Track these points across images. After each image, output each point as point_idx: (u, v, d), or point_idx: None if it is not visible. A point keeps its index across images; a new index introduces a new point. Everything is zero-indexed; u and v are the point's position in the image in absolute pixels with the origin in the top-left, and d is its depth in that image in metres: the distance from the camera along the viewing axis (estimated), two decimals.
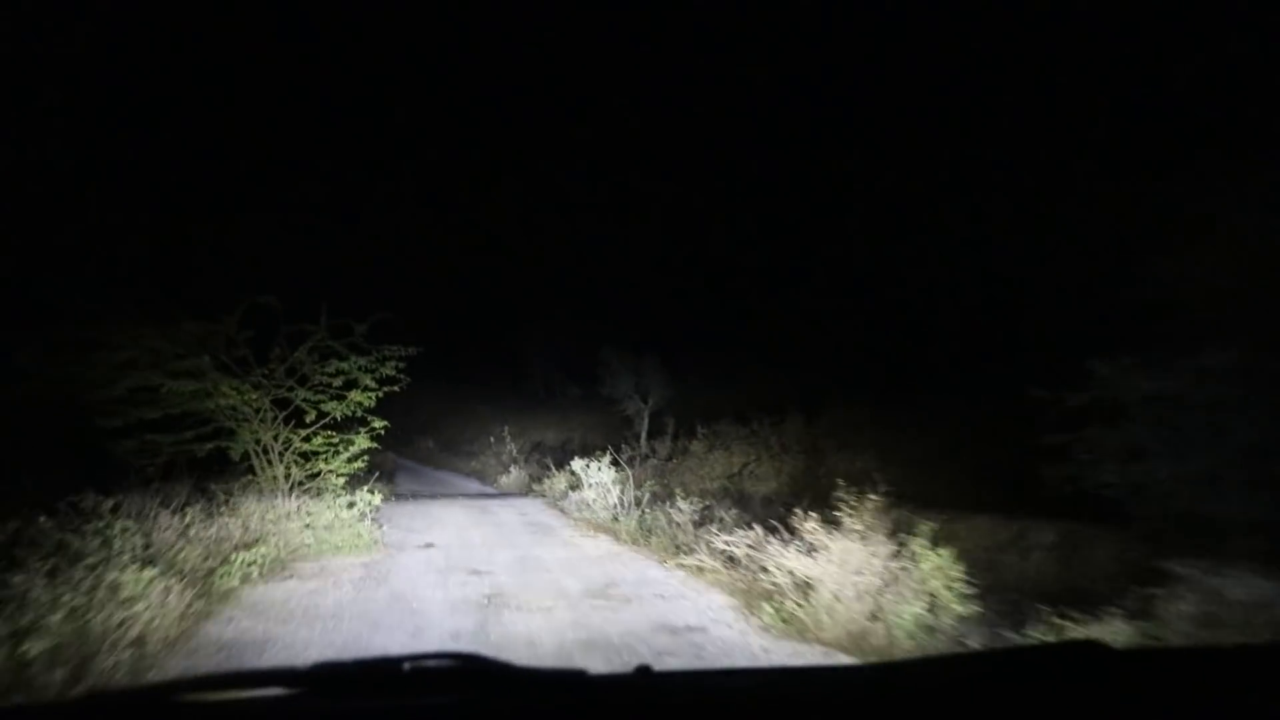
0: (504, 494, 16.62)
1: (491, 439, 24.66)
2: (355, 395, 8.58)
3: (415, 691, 1.10)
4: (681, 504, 7.91)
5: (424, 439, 25.74)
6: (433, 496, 15.18)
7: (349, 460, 8.81)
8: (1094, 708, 1.07)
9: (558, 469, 14.97)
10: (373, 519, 8.32)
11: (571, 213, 27.58)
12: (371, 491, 8.39)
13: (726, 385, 19.39)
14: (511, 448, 22.24)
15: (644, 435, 17.26)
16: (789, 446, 12.65)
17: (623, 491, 9.49)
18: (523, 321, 30.87)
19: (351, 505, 7.96)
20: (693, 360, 19.09)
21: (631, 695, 1.12)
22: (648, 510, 8.89)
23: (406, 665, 1.10)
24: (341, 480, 8.71)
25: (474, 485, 19.21)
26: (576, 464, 11.03)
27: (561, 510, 11.45)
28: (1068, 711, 1.06)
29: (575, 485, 12.95)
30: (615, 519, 9.21)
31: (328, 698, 1.09)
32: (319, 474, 8.59)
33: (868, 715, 1.09)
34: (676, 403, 17.86)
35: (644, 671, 1.17)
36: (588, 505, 10.18)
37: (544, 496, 13.98)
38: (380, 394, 8.91)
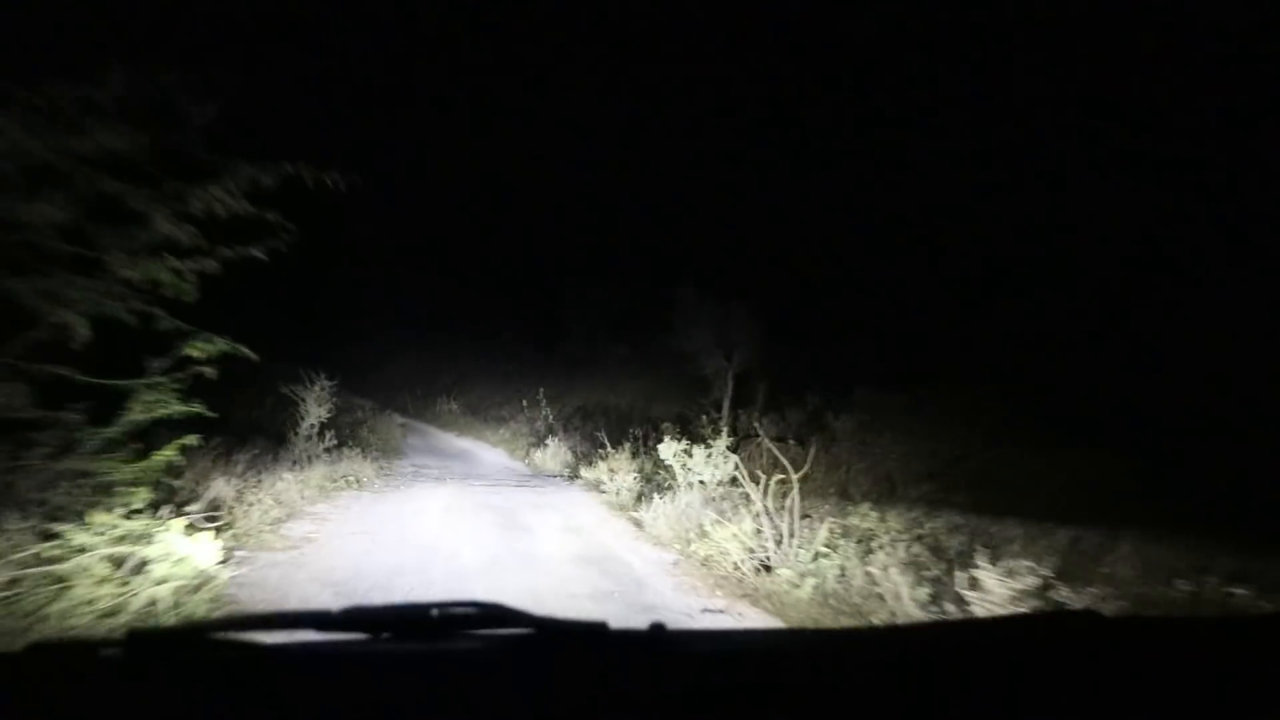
0: (537, 476, 12.20)
1: (524, 403, 20.38)
2: (153, 267, 3.37)
3: (443, 636, 1.12)
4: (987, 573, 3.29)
5: (446, 401, 21.44)
6: (440, 479, 10.81)
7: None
8: (1090, 672, 1.06)
9: (613, 445, 10.61)
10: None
11: (626, 128, 22.84)
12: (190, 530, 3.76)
13: (812, 345, 14.77)
14: (548, 413, 17.95)
15: (727, 403, 12.63)
16: (1000, 430, 7.92)
17: (769, 510, 4.85)
18: (561, 272, 26.32)
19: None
20: (777, 313, 14.46)
21: (649, 647, 1.13)
22: (831, 551, 4.34)
23: (434, 611, 1.11)
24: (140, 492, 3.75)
25: (499, 459, 14.84)
26: (666, 450, 6.43)
27: (636, 522, 6.94)
28: (1065, 675, 1.06)
29: (650, 476, 8.40)
30: (764, 566, 4.62)
31: (360, 639, 1.10)
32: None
33: (872, 675, 1.07)
34: (767, 364, 13.17)
35: (658, 627, 1.16)
36: (692, 526, 5.59)
37: (597, 489, 9.51)
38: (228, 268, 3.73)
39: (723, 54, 19.99)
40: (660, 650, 1.13)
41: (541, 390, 18.75)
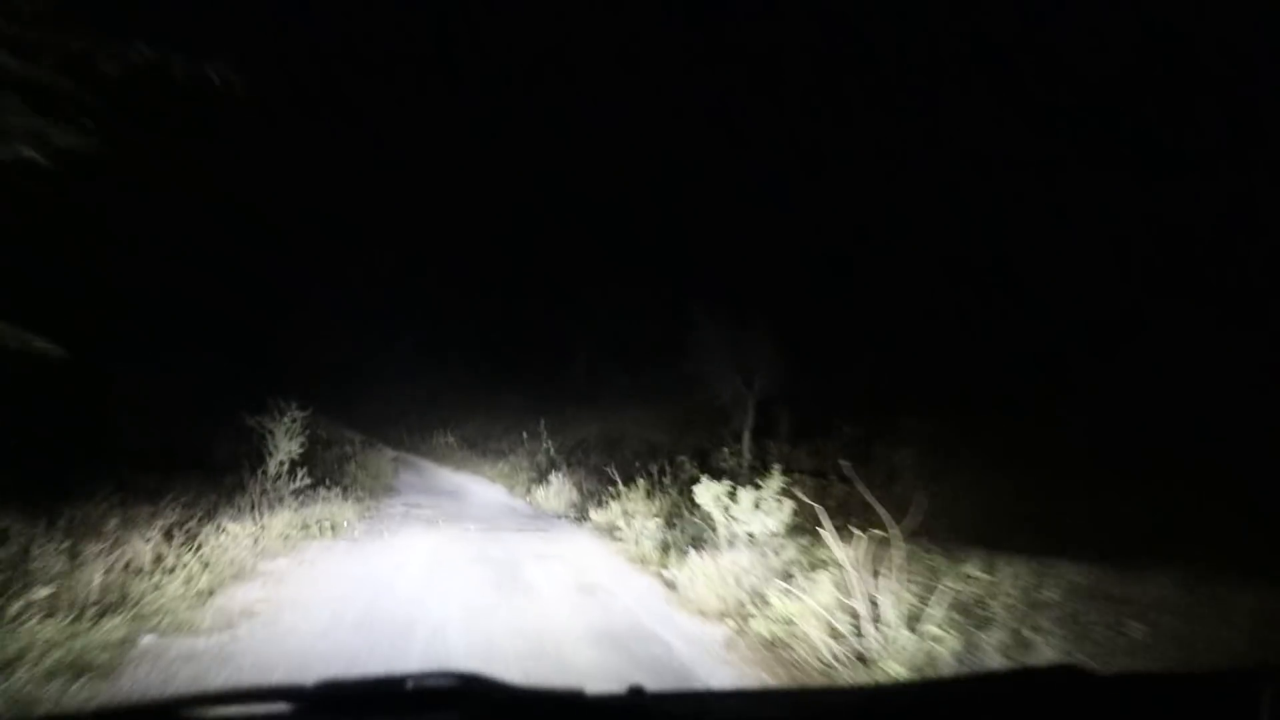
0: (541, 517, 10.91)
1: (524, 435, 19.18)
2: None
3: (417, 710, 1.09)
4: None
5: (443, 434, 20.17)
6: (432, 521, 9.57)
7: None
8: None
9: (625, 481, 9.34)
10: None
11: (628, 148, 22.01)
12: None
13: (837, 368, 13.56)
14: (549, 446, 16.74)
15: (748, 433, 11.41)
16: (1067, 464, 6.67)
17: (858, 575, 3.58)
18: (564, 298, 25.30)
19: None
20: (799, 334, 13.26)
21: (628, 715, 1.11)
22: (945, 632, 3.11)
23: (409, 684, 1.07)
24: None
25: (499, 496, 13.54)
26: (705, 494, 5.13)
27: (667, 582, 5.63)
28: None
29: (673, 520, 7.13)
30: (858, 657, 3.36)
31: (331, 715, 1.08)
32: None
33: None
34: (790, 389, 11.94)
35: (637, 692, 1.11)
36: (746, 592, 4.32)
37: (611, 535, 8.22)
38: None
39: (737, 57, 19.15)
40: (639, 716, 1.10)
41: (543, 422, 17.56)
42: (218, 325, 18.71)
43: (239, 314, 21.58)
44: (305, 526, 7.49)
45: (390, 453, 16.02)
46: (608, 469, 10.33)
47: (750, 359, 11.24)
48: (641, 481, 9.29)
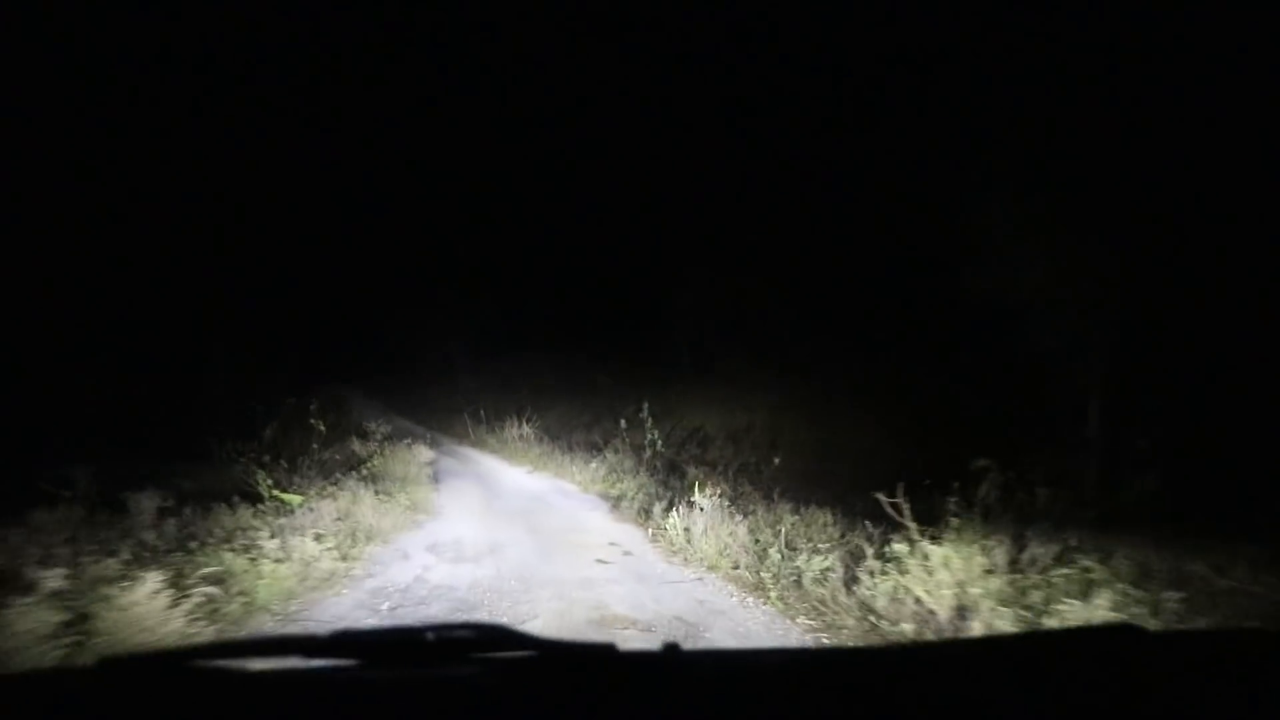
0: (745, 603, 5.63)
1: (623, 421, 14.01)
2: None
3: (439, 661, 1.02)
4: None
5: (516, 424, 15.23)
6: (484, 605, 4.40)
7: None
8: (1129, 689, 0.99)
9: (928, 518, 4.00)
10: None
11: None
12: None
13: None
14: (655, 438, 11.69)
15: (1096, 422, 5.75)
16: None
17: None
18: (664, 264, 19.95)
19: None
20: None
21: (659, 671, 1.02)
22: None
23: (430, 635, 1.01)
24: None
25: (602, 521, 8.30)
26: None
27: None
28: (1104, 693, 0.98)
29: None
30: None
31: (352, 665, 1.01)
32: None
33: (896, 694, 1.00)
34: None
35: (672, 648, 1.06)
36: None
37: None
38: None
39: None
40: (672, 672, 1.03)
41: (645, 406, 12.39)
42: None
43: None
44: None
45: (428, 453, 11.02)
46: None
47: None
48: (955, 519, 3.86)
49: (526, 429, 14.72)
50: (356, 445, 8.71)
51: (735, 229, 17.31)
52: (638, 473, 10.77)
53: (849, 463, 11.07)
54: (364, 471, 7.92)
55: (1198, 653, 1.16)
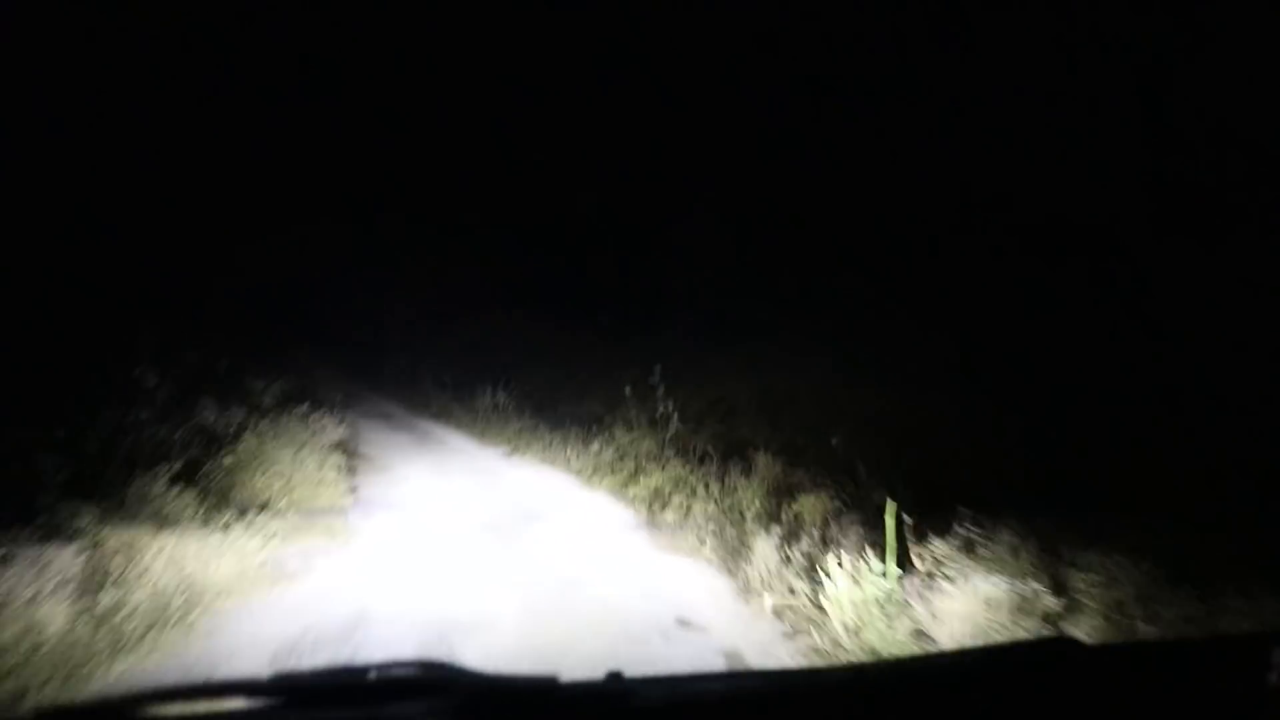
0: None
1: (627, 390, 10.46)
2: None
3: (381, 701, 0.99)
4: None
5: (491, 393, 11.61)
6: None
7: None
8: (1071, 701, 1.01)
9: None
10: None
11: None
12: None
13: None
14: (668, 408, 8.33)
15: None
16: None
17: None
18: (666, 196, 16.24)
19: None
20: None
21: (604, 702, 1.02)
22: None
23: (372, 674, 0.98)
24: None
25: (676, 591, 4.78)
26: None
27: None
28: (1045, 706, 1.01)
29: None
30: None
31: (290, 709, 0.98)
32: None
33: (843, 716, 1.02)
34: None
35: (615, 677, 1.05)
36: None
37: None
38: None
39: None
40: (616, 702, 1.02)
41: (658, 370, 9.01)
42: None
43: None
44: None
45: (350, 430, 7.43)
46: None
47: None
48: None
49: (502, 397, 11.19)
50: (212, 416, 5.09)
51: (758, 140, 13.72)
52: (663, 458, 7.38)
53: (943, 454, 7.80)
54: (221, 462, 4.32)
55: (1135, 663, 1.17)
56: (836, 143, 11.71)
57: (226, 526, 3.83)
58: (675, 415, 8.44)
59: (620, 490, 6.59)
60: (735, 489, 5.70)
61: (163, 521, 3.59)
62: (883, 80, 10.90)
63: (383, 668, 0.97)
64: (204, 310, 14.65)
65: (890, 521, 3.19)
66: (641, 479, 6.61)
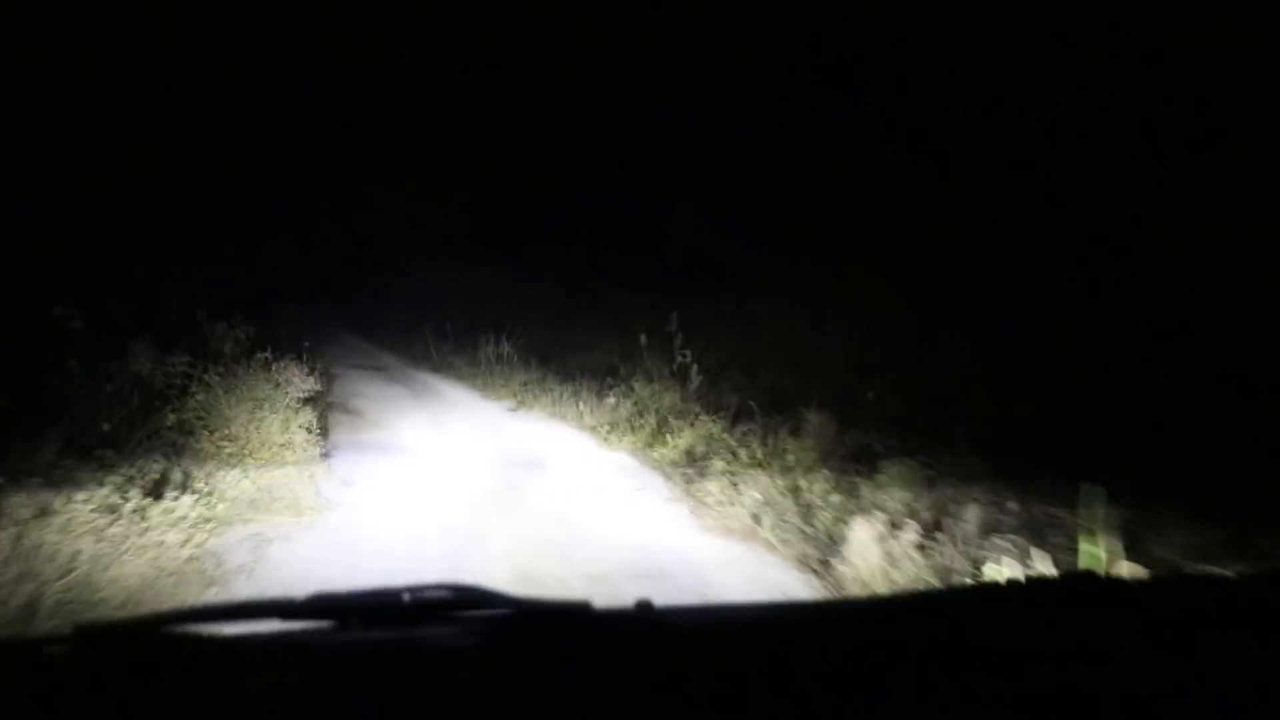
0: None
1: (642, 340, 9.41)
2: None
3: (415, 623, 1.01)
4: None
5: (494, 343, 10.58)
6: None
7: None
8: (1093, 632, 0.98)
9: None
10: None
11: None
12: None
13: None
14: (686, 358, 7.32)
15: None
16: None
17: None
18: (675, 129, 14.86)
19: None
20: None
21: (635, 625, 1.04)
22: None
23: (406, 596, 0.99)
24: None
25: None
26: None
27: None
28: (1068, 636, 0.97)
29: None
30: None
31: (326, 629, 0.99)
32: None
33: (869, 646, 0.98)
34: None
35: (645, 604, 1.06)
36: None
37: None
38: None
39: None
40: (648, 628, 1.04)
41: (674, 318, 7.97)
42: None
43: None
44: None
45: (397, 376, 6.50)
46: None
47: None
48: None
49: (506, 347, 10.19)
50: (144, 362, 4.07)
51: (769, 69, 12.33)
52: (690, 413, 6.44)
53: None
54: (169, 420, 3.37)
55: (1158, 598, 1.14)
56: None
57: (144, 507, 2.90)
58: (694, 367, 7.46)
59: (644, 451, 5.67)
60: (784, 451, 4.75)
61: (67, 502, 2.67)
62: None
63: (415, 590, 0.97)
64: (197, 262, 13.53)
65: (1093, 516, 2.25)
66: (669, 438, 5.69)
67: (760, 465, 4.73)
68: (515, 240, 18.40)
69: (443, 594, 0.98)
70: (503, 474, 4.90)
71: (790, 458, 4.63)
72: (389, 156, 20.73)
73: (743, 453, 5.00)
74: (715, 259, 13.54)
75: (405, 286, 19.19)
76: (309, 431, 4.51)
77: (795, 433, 5.13)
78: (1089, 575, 1.21)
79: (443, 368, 11.07)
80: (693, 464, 5.01)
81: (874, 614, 1.23)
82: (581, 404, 7.67)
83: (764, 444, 5.05)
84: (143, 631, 0.97)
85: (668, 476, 4.97)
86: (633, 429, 6.56)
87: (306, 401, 4.88)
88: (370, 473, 4.62)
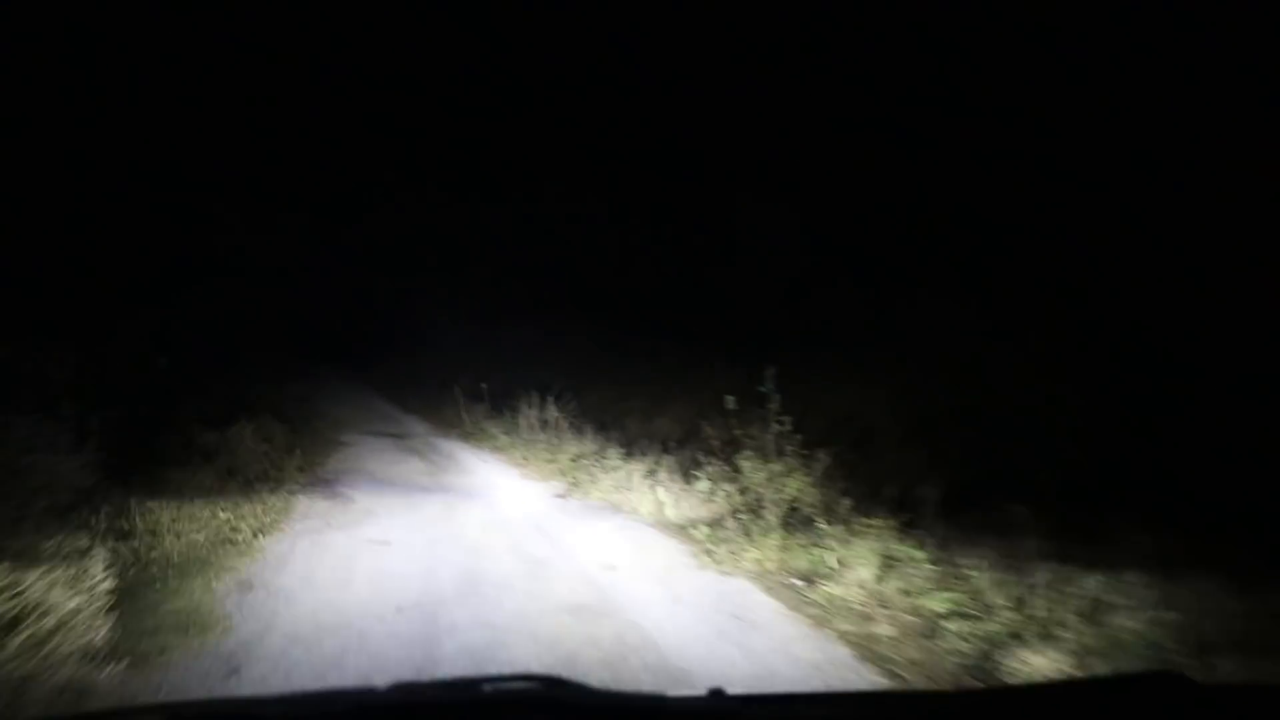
0: None
1: (728, 403, 6.97)
2: None
3: (495, 715, 1.00)
4: None
5: (539, 406, 8.41)
6: None
7: None
8: None
9: None
10: None
11: None
12: None
13: None
14: (783, 426, 4.79)
15: None
16: None
17: None
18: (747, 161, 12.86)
19: None
20: None
21: (709, 718, 1.02)
22: None
23: (487, 687, 1.00)
24: None
25: None
26: None
27: None
28: None
29: None
30: None
31: None
32: None
33: None
34: None
35: (717, 693, 1.04)
36: None
37: None
38: None
39: None
40: (721, 717, 1.03)
41: (770, 375, 5.54)
42: None
43: None
44: None
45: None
46: None
47: None
48: None
49: (553, 411, 7.98)
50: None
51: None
52: (834, 506, 4.10)
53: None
54: None
55: (1246, 704, 1.07)
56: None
57: None
58: (799, 437, 5.10)
59: (777, 574, 3.30)
60: (1102, 618, 2.36)
61: None
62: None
63: (496, 680, 0.98)
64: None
65: None
66: (823, 555, 3.31)
67: (1034, 621, 2.38)
68: (563, 296, 16.53)
69: (521, 686, 0.98)
70: (554, 648, 2.64)
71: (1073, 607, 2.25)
72: (430, 210, 19.35)
73: (996, 598, 2.62)
74: (796, 302, 11.24)
75: (443, 344, 17.43)
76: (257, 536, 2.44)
77: (1062, 557, 2.74)
78: (1172, 676, 1.06)
79: (473, 436, 8.95)
80: (885, 608, 2.65)
81: (953, 707, 1.18)
82: (660, 489, 5.37)
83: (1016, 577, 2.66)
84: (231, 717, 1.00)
85: (858, 647, 2.61)
86: (747, 533, 4.22)
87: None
88: (295, 636, 2.41)
